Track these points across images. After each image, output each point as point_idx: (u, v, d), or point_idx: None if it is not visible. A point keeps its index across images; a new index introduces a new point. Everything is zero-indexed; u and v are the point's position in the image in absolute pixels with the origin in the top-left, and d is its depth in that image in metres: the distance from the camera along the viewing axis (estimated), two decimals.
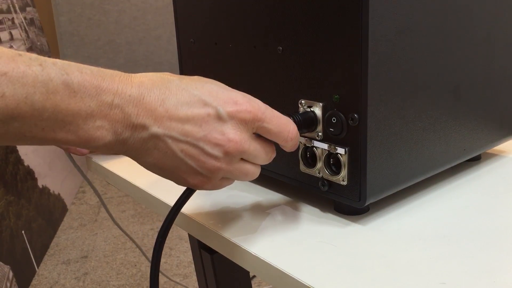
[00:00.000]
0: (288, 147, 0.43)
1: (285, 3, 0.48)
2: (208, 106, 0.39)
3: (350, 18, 0.42)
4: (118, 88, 0.36)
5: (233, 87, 0.56)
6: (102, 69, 0.37)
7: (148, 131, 0.37)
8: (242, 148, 0.40)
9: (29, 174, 1.83)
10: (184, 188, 0.43)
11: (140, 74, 0.39)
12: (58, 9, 3.28)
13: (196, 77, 0.41)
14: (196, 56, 0.60)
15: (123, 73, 0.38)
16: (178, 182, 0.42)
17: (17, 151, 1.79)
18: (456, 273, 0.39)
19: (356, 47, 0.42)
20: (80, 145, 0.36)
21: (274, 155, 0.44)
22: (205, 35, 0.58)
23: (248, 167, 0.42)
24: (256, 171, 0.43)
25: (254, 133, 0.41)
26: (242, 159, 0.41)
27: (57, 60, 0.35)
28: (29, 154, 1.87)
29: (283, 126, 0.42)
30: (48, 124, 0.34)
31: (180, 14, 0.61)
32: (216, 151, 0.39)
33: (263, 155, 0.42)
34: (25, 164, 1.82)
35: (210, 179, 0.41)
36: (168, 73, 0.40)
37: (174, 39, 3.51)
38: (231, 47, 0.55)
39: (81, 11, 3.32)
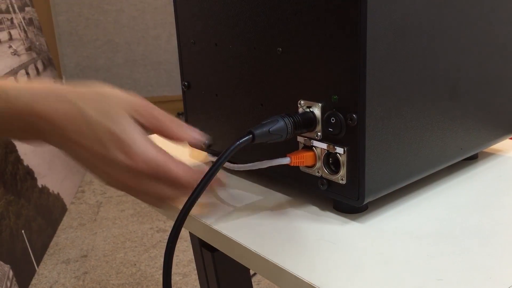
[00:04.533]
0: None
1: (285, 5, 0.48)
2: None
3: (348, 19, 0.43)
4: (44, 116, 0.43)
5: (233, 88, 0.57)
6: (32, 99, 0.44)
7: (66, 152, 0.46)
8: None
9: (29, 173, 1.83)
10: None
11: (65, 98, 0.44)
12: (57, 8, 3.28)
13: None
14: (196, 56, 0.61)
15: (53, 100, 0.43)
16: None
17: (16, 151, 1.79)
18: (453, 270, 0.40)
19: (354, 48, 0.43)
20: None
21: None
22: (206, 36, 0.58)
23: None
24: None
25: None
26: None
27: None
28: (28, 154, 1.87)
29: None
30: None
31: (180, 15, 0.61)
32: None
33: None
34: (25, 164, 1.83)
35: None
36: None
37: (173, 38, 3.51)
38: (231, 48, 0.55)
39: (80, 11, 3.32)
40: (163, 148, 0.46)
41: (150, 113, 0.46)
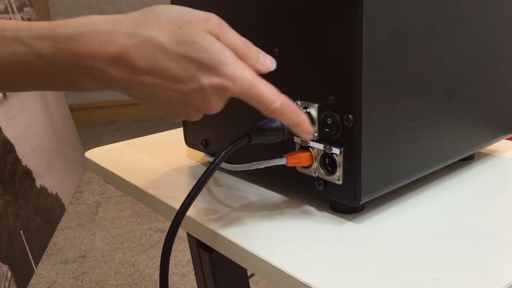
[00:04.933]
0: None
1: (281, 6, 0.49)
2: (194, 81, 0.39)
3: (345, 21, 0.43)
4: (99, 53, 0.37)
5: None
6: (79, 27, 0.37)
7: (133, 92, 0.39)
8: None
9: (27, 174, 1.83)
10: (186, 192, 0.44)
11: (122, 28, 0.38)
12: (55, 9, 3.29)
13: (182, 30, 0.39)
14: None
15: (103, 31, 0.37)
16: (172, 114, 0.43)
17: (15, 151, 1.79)
18: (448, 270, 0.40)
19: (350, 49, 0.43)
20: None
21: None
22: None
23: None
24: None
25: None
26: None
27: (31, 28, 0.37)
28: (27, 154, 1.87)
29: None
30: (35, 85, 0.38)
31: None
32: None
33: None
34: (23, 164, 1.83)
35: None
36: (153, 17, 0.39)
37: None
38: None
39: (79, 11, 3.32)
40: (161, 147, 0.45)
41: (225, 35, 0.40)
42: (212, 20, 0.40)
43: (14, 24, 0.37)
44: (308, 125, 0.43)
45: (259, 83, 0.40)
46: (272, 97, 0.41)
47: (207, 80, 0.38)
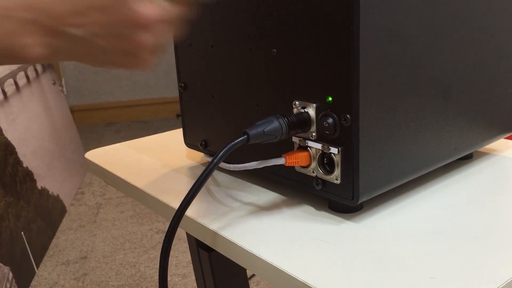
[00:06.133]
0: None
1: (279, 7, 0.49)
2: None
3: (342, 21, 0.44)
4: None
5: (229, 89, 0.57)
6: None
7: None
8: None
9: (28, 175, 1.84)
10: (186, 192, 0.44)
11: None
12: None
13: None
14: (193, 58, 0.61)
15: None
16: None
17: (16, 153, 1.79)
18: (446, 268, 0.40)
19: (347, 49, 0.44)
20: None
21: None
22: (202, 37, 0.59)
23: None
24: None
25: None
26: None
27: None
28: (28, 155, 1.88)
29: None
30: None
31: None
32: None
33: None
34: (24, 165, 1.83)
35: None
36: None
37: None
38: (227, 49, 0.56)
39: None
40: (161, 148, 0.46)
41: None
42: None
43: None
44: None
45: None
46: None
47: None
